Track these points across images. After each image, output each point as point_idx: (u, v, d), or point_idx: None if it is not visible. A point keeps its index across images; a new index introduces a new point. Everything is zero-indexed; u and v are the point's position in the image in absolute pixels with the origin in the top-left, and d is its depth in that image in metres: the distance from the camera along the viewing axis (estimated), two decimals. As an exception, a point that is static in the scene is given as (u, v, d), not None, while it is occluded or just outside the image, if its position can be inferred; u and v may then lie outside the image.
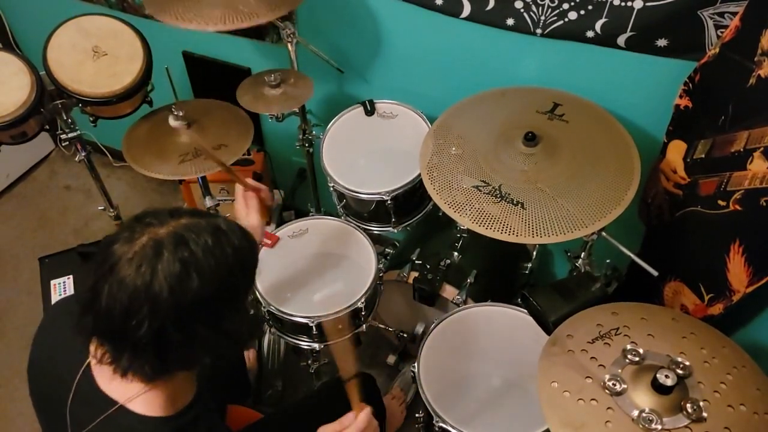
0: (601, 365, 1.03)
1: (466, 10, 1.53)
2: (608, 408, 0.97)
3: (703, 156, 1.32)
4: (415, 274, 1.70)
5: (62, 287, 1.89)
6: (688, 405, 0.95)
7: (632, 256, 1.26)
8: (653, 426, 0.93)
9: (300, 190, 2.33)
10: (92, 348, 0.97)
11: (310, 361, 1.84)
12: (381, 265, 1.64)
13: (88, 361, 0.97)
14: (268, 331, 1.70)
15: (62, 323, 1.06)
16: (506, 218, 1.27)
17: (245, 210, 1.29)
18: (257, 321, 1.37)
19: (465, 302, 1.63)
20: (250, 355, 2.11)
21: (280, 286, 1.61)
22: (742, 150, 1.18)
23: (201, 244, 0.84)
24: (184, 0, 1.44)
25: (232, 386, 1.77)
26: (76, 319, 0.88)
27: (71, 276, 1.91)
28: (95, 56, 1.61)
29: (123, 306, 0.81)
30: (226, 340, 0.89)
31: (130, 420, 0.92)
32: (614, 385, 0.99)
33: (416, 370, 1.45)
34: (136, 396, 0.92)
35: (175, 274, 0.81)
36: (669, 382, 0.94)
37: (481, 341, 1.51)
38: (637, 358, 1.03)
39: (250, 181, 1.31)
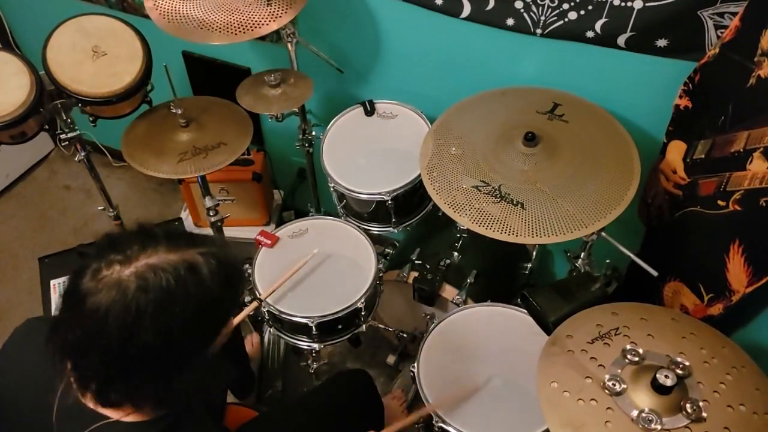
0: (600, 365, 1.03)
1: (466, 10, 1.53)
2: (608, 408, 0.97)
3: (702, 156, 1.32)
4: (415, 274, 1.70)
5: (62, 287, 1.89)
6: (688, 405, 0.95)
7: (632, 256, 1.26)
8: (653, 426, 0.93)
9: (300, 190, 2.33)
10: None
11: (309, 361, 1.85)
12: (381, 265, 1.64)
13: (66, 380, 0.95)
14: (268, 331, 1.70)
15: (22, 355, 1.04)
16: (506, 218, 1.27)
17: None
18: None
19: (465, 302, 1.63)
20: (253, 340, 2.09)
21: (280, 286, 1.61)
22: (741, 150, 1.18)
23: (162, 287, 0.81)
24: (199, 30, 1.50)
25: (234, 380, 1.76)
26: (45, 347, 0.88)
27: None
28: (95, 56, 1.60)
29: (85, 335, 0.82)
30: (180, 393, 0.87)
31: (116, 428, 0.91)
32: (614, 385, 0.99)
33: (416, 370, 1.45)
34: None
35: (128, 324, 0.79)
36: (669, 382, 0.94)
37: (481, 341, 1.51)
38: (636, 358, 1.03)
39: None
